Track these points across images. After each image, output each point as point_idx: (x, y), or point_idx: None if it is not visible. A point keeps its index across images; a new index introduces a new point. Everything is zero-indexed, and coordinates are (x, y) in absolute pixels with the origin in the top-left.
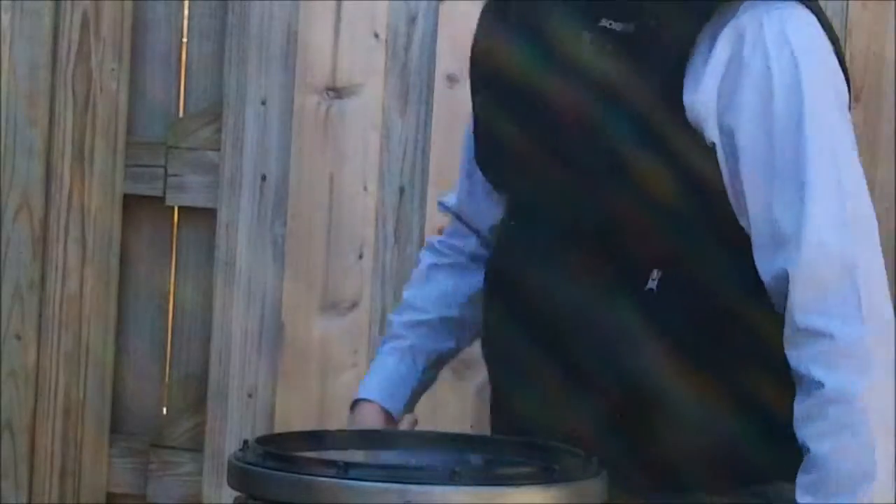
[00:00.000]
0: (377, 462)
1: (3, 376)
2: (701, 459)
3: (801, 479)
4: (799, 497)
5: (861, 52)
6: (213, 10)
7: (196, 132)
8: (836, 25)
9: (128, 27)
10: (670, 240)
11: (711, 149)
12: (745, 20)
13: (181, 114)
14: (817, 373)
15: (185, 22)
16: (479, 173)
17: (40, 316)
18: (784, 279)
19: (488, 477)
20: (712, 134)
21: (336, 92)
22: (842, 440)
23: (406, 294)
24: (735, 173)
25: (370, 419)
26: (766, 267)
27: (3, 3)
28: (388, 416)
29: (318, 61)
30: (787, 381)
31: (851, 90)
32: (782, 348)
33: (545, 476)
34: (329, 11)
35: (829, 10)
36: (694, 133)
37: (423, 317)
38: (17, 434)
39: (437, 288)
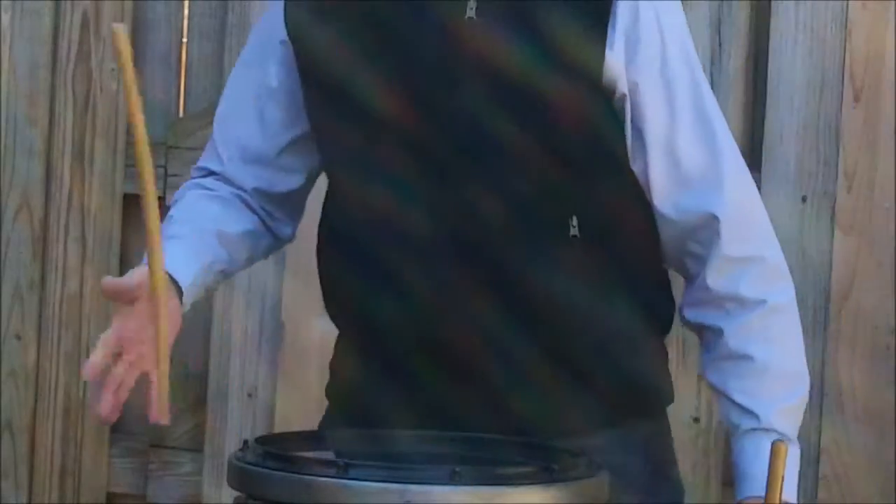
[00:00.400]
0: (377, 462)
1: (3, 376)
2: (605, 392)
3: (739, 384)
4: (742, 399)
5: (861, 52)
6: (213, 10)
7: (196, 132)
8: (836, 25)
9: (128, 27)
10: (584, 188)
11: (622, 100)
12: None
13: (181, 114)
14: (757, 291)
15: (185, 22)
16: (243, 145)
17: (40, 316)
18: (706, 217)
19: (488, 477)
20: (623, 86)
21: None
22: (785, 344)
23: (174, 212)
24: (637, 126)
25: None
26: (672, 207)
27: (3, 3)
28: (176, 287)
29: None
30: (665, 309)
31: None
32: (663, 283)
33: (545, 476)
34: None
35: (829, 9)
36: (605, 88)
37: (198, 225)
38: (17, 434)
39: (210, 210)
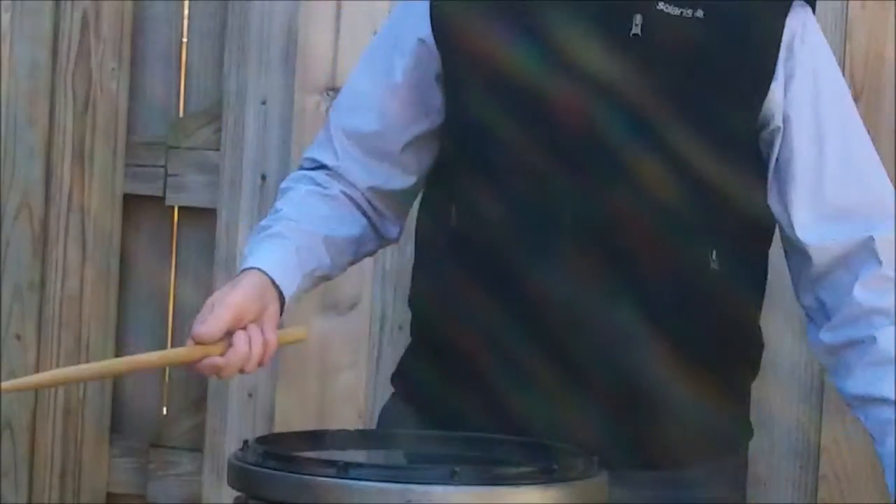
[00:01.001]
0: (377, 462)
1: (3, 376)
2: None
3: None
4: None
5: (861, 52)
6: (213, 10)
7: (196, 132)
8: (836, 25)
9: (128, 27)
10: (725, 221)
11: (774, 133)
12: (794, 15)
13: (181, 114)
14: None
15: (185, 22)
16: (363, 139)
17: (40, 316)
18: (861, 241)
19: (488, 477)
20: (779, 119)
21: (336, 92)
22: None
23: (282, 205)
24: (784, 158)
25: (257, 285)
26: (818, 237)
27: (3, 2)
28: (280, 296)
29: (318, 61)
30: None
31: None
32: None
33: (545, 476)
34: (329, 11)
35: (829, 10)
36: (761, 120)
37: (306, 227)
38: (17, 434)
39: (320, 210)
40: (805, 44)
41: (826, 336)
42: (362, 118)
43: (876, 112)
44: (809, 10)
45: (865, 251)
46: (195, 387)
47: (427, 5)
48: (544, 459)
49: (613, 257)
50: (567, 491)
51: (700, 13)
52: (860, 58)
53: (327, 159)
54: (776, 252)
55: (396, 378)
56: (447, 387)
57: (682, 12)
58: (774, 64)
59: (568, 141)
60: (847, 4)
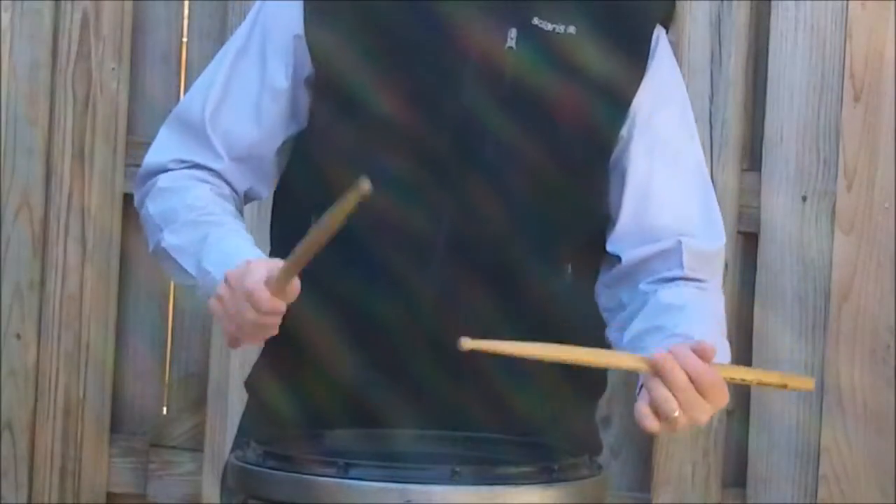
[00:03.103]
0: (377, 462)
1: (3, 376)
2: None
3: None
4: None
5: (861, 52)
6: (213, 10)
7: None
8: (836, 25)
9: (128, 27)
10: (584, 231)
11: (619, 140)
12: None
13: None
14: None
15: (185, 22)
16: (240, 141)
17: (40, 316)
18: (672, 249)
19: (488, 477)
20: (625, 130)
21: None
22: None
23: (195, 201)
24: (621, 167)
25: (268, 268)
26: (629, 245)
27: (3, 2)
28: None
29: None
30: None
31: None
32: None
33: (545, 476)
34: None
35: (829, 10)
36: (620, 134)
37: (231, 205)
38: (17, 434)
39: (230, 208)
40: (654, 59)
41: (615, 334)
42: (242, 124)
43: (876, 112)
44: (663, 30)
45: (671, 256)
46: (195, 387)
47: (300, 4)
48: (544, 459)
49: (484, 267)
50: (567, 491)
51: (572, 29)
52: (860, 58)
53: (208, 161)
54: (773, 252)
55: (249, 384)
56: (300, 391)
57: (554, 28)
58: (638, 82)
59: (442, 153)
60: (847, 4)
